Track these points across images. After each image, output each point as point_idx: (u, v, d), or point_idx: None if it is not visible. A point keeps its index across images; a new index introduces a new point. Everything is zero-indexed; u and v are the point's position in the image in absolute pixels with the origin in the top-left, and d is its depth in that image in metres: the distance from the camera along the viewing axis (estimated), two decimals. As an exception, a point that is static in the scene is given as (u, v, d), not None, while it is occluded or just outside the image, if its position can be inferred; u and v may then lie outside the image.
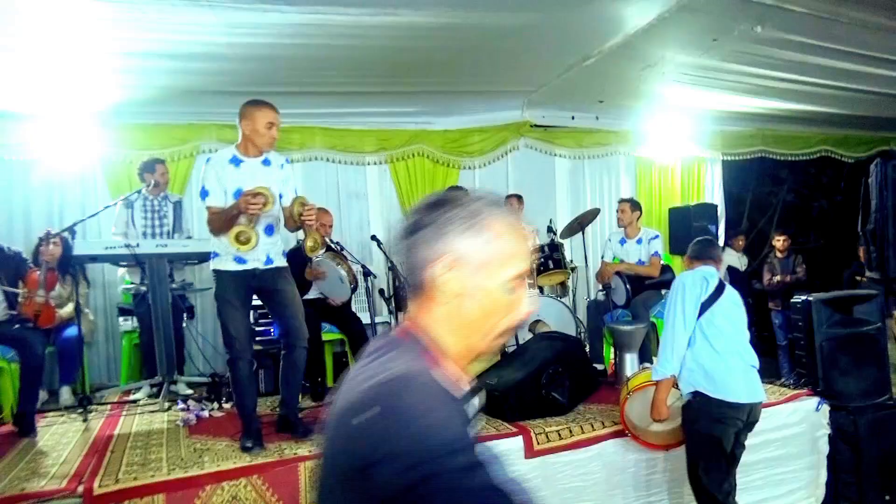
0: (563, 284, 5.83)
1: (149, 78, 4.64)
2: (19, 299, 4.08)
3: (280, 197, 3.33)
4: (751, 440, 3.11)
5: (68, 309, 4.53)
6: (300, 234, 4.28)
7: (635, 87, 5.74)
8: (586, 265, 5.79)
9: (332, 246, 4.89)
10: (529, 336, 4.64)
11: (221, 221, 3.18)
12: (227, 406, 4.16)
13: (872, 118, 7.04)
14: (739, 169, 8.58)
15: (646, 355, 4.79)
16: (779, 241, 7.09)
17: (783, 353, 6.76)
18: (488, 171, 6.65)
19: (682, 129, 6.73)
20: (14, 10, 3.47)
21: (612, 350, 4.77)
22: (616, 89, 5.90)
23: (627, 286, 4.90)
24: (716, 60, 5.07)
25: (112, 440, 3.50)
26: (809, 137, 7.67)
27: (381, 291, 5.05)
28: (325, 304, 4.67)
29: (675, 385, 3.09)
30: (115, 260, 4.50)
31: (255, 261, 3.27)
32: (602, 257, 5.62)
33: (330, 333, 4.77)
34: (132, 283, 4.73)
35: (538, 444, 3.33)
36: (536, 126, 6.69)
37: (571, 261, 5.92)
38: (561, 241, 5.68)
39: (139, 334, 4.79)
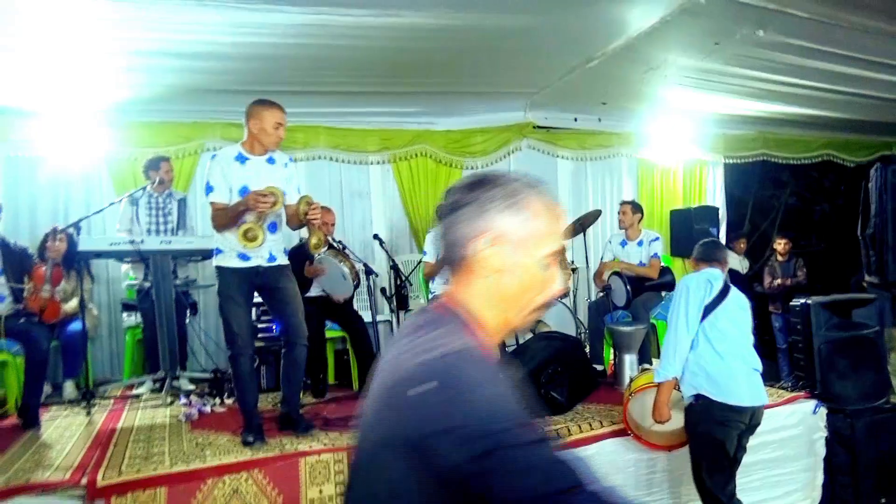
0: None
1: (154, 76, 4.68)
2: (25, 294, 4.12)
3: (284, 195, 3.37)
4: (748, 442, 3.10)
5: (73, 304, 4.57)
6: (302, 233, 4.33)
7: (638, 89, 5.77)
8: (587, 266, 5.82)
9: (335, 244, 4.93)
10: (529, 336, 4.67)
11: (227, 217, 3.22)
12: (228, 402, 4.21)
13: (874, 122, 7.06)
14: (741, 172, 8.60)
15: (645, 356, 4.82)
16: (780, 245, 7.12)
17: (783, 355, 6.77)
18: (491, 171, 6.67)
19: (684, 131, 6.76)
20: (20, 7, 3.51)
21: (612, 351, 4.80)
22: (619, 91, 5.93)
23: (628, 287, 4.93)
24: (718, 64, 5.09)
25: (115, 433, 3.55)
26: (811, 141, 7.68)
27: (383, 290, 5.09)
28: (328, 303, 4.70)
29: (677, 387, 3.09)
30: (119, 256, 4.55)
31: (259, 258, 3.31)
32: (602, 258, 5.65)
33: (332, 331, 4.81)
34: (136, 280, 4.77)
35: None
36: (539, 127, 6.72)
37: (572, 262, 5.95)
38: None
39: (142, 330, 4.83)
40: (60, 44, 4.00)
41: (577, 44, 4.79)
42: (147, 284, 4.53)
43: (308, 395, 4.49)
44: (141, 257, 4.35)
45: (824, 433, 3.96)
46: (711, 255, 3.23)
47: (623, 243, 5.40)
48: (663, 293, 5.16)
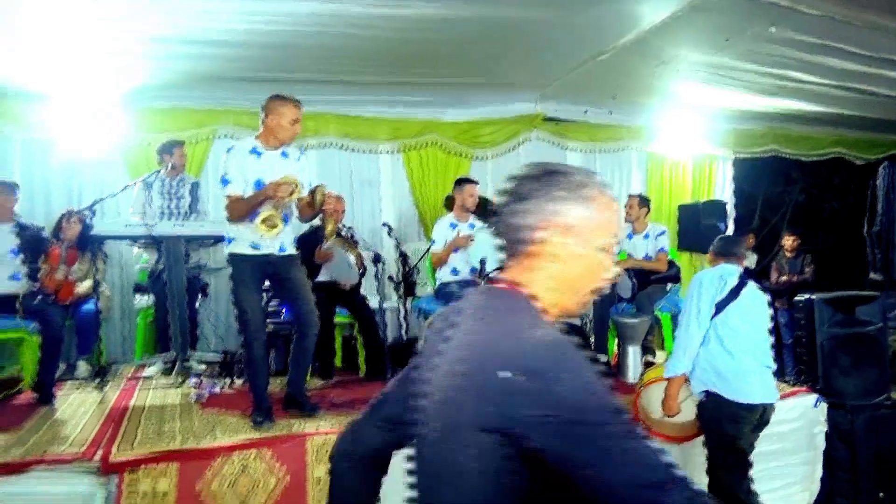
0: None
1: (169, 63, 4.74)
2: (40, 274, 4.20)
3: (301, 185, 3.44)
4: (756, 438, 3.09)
5: (87, 285, 4.66)
6: (312, 222, 4.40)
7: (649, 83, 5.78)
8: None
9: (343, 232, 5.01)
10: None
11: (245, 208, 3.29)
12: (238, 383, 4.29)
13: (886, 121, 7.04)
14: (751, 168, 8.60)
15: (649, 348, 4.87)
16: (788, 241, 7.13)
17: (788, 351, 6.80)
18: (500, 162, 6.72)
19: (694, 126, 6.77)
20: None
21: (616, 342, 4.85)
22: (630, 85, 5.95)
23: (633, 280, 4.97)
24: (729, 59, 5.10)
25: (127, 411, 3.63)
26: (822, 138, 7.66)
27: (391, 277, 5.15)
28: (337, 289, 4.78)
29: (687, 381, 3.10)
30: (133, 239, 4.62)
31: (270, 248, 3.38)
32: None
33: (340, 317, 4.88)
34: (149, 262, 4.85)
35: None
36: (549, 119, 6.74)
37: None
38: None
39: (154, 311, 4.91)
40: (78, 28, 4.06)
41: (588, 37, 4.81)
42: (159, 267, 4.61)
43: (315, 379, 4.56)
44: (154, 241, 4.42)
45: (824, 427, 4.00)
46: (728, 250, 3.21)
47: (629, 236, 5.43)
48: (668, 286, 5.20)
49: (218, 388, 4.14)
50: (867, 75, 5.30)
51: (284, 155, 3.45)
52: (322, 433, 3.15)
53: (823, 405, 3.98)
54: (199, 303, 5.10)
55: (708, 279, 3.08)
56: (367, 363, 4.84)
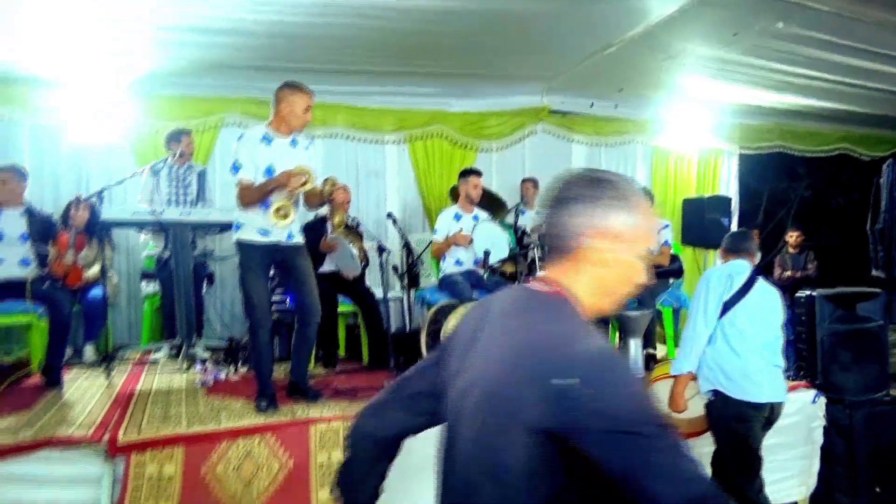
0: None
1: (178, 51, 4.78)
2: (49, 259, 4.25)
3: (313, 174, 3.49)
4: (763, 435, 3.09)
5: (94, 270, 4.71)
6: (318, 211, 4.44)
7: (655, 77, 5.79)
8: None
9: (349, 223, 5.05)
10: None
11: (256, 195, 3.33)
12: (242, 370, 4.35)
13: (893, 118, 7.02)
14: (756, 163, 8.58)
15: (649, 341, 4.90)
16: (792, 237, 7.14)
17: (790, 346, 6.81)
18: (505, 154, 6.75)
19: (700, 120, 6.78)
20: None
21: (617, 334, 4.88)
22: (636, 79, 5.95)
23: (636, 273, 4.99)
24: (737, 54, 5.11)
25: (134, 395, 3.68)
26: (828, 134, 7.65)
27: (395, 268, 5.18)
28: (341, 278, 4.82)
29: (695, 379, 3.09)
30: (140, 226, 4.66)
31: (279, 235, 3.42)
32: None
33: (344, 306, 4.92)
34: (156, 249, 4.90)
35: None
36: (555, 112, 6.75)
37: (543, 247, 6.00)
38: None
39: (161, 298, 4.95)
40: (87, 16, 4.10)
41: (596, 30, 4.82)
42: (166, 254, 4.65)
43: (319, 367, 4.61)
44: (161, 228, 4.46)
45: (822, 422, 4.03)
46: (738, 246, 3.19)
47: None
48: (671, 280, 5.22)
49: (223, 375, 4.19)
50: (874, 72, 5.30)
51: (294, 143, 3.49)
52: (325, 420, 3.20)
53: (822, 400, 4.01)
54: (204, 290, 5.15)
55: (715, 277, 3.06)
56: (370, 352, 4.88)
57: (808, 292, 4.18)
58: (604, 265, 1.21)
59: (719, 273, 3.10)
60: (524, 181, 6.24)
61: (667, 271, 5.12)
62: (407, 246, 5.07)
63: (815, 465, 4.06)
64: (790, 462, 4.01)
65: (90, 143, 5.41)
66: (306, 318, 3.55)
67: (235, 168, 3.38)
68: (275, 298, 4.95)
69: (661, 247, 5.24)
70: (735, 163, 7.64)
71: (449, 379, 1.27)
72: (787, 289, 6.94)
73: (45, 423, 3.10)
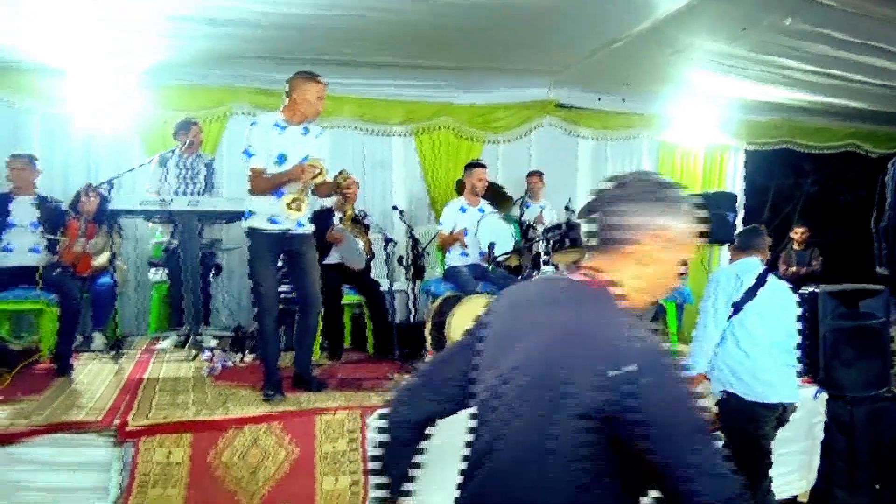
0: (577, 262, 5.95)
1: (187, 41, 4.81)
2: (59, 247, 4.30)
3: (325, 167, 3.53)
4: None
5: (103, 258, 4.75)
6: (325, 201, 4.48)
7: (662, 71, 5.78)
8: (601, 245, 5.89)
9: (356, 215, 5.08)
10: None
11: (268, 184, 3.39)
12: (249, 358, 4.40)
13: (901, 115, 7.01)
14: (763, 158, 8.56)
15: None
16: (797, 233, 7.15)
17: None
18: (511, 147, 6.76)
19: (707, 115, 6.76)
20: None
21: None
22: (643, 73, 5.95)
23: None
24: (744, 50, 5.10)
25: (142, 382, 3.74)
26: (836, 131, 7.62)
27: (401, 259, 5.22)
28: (346, 269, 4.86)
29: (706, 378, 3.09)
30: (149, 215, 4.71)
31: (288, 223, 3.46)
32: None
33: (349, 296, 4.96)
34: (164, 238, 4.94)
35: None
36: (562, 106, 6.76)
37: (587, 240, 6.03)
38: (578, 220, 5.79)
39: (168, 287, 5.01)
40: (99, 5, 4.13)
41: (603, 24, 4.82)
42: (174, 243, 4.69)
43: (324, 357, 4.66)
44: (169, 217, 4.51)
45: (823, 418, 4.05)
46: (749, 244, 3.16)
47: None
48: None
49: (230, 363, 4.24)
50: (882, 69, 5.28)
51: (305, 131, 3.54)
52: (331, 410, 3.24)
53: (823, 396, 4.03)
54: (212, 279, 5.20)
55: (724, 278, 3.05)
56: (375, 342, 4.93)
57: (811, 289, 4.19)
58: (652, 264, 1.28)
59: (728, 273, 3.09)
60: (530, 174, 6.26)
61: (671, 266, 5.14)
62: (412, 238, 5.10)
63: (816, 461, 4.09)
64: (791, 457, 4.03)
65: (100, 132, 5.45)
66: (307, 308, 3.61)
67: (248, 154, 3.42)
68: (281, 287, 5.00)
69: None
70: (741, 158, 7.62)
71: (484, 364, 1.33)
72: (791, 285, 6.97)
73: (56, 408, 3.16)
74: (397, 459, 1.52)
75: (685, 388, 1.15)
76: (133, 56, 5.03)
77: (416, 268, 5.17)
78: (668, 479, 1.12)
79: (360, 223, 5.09)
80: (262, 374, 3.51)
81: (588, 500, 1.15)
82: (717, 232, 6.85)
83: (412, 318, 5.31)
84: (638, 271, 1.29)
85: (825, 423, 4.08)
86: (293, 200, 3.36)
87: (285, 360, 4.02)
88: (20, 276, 4.08)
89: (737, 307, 2.97)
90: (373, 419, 3.25)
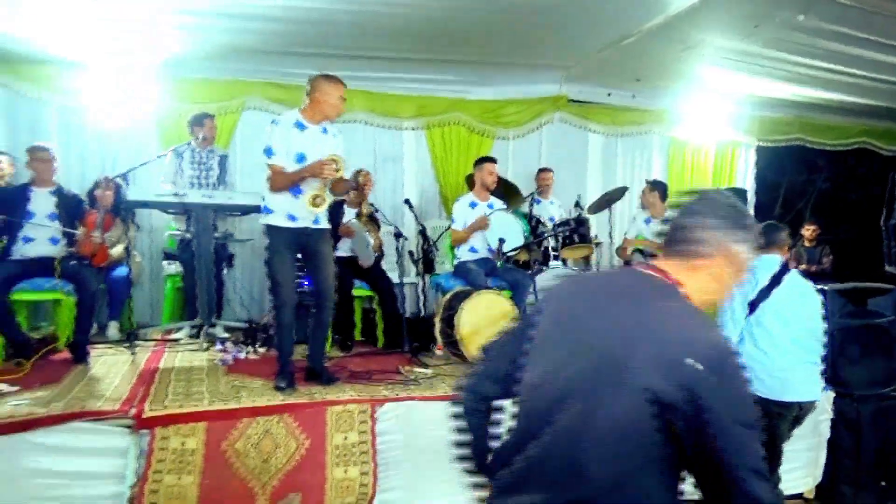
0: (586, 258, 5.99)
1: (204, 35, 4.87)
2: (77, 238, 4.38)
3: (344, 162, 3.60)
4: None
5: (119, 250, 4.84)
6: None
7: (674, 67, 5.78)
8: (611, 241, 5.93)
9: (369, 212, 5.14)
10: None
11: (287, 181, 3.46)
12: (261, 350, 4.47)
13: (915, 112, 6.96)
14: (775, 155, 8.50)
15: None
16: (808, 231, 7.12)
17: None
18: (522, 142, 6.78)
19: (718, 112, 6.76)
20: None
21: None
22: (654, 69, 5.95)
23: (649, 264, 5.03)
24: (756, 46, 5.09)
25: (157, 372, 3.81)
26: (849, 128, 7.58)
27: (411, 253, 5.27)
28: (357, 263, 4.91)
29: None
30: (164, 207, 4.77)
31: (306, 220, 3.53)
32: (626, 234, 5.75)
33: (360, 290, 5.01)
34: (178, 230, 5.01)
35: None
36: (573, 101, 6.77)
37: (596, 236, 6.06)
38: (588, 216, 5.82)
39: (182, 278, 5.07)
40: (118, 0, 4.19)
41: (615, 20, 4.83)
42: (188, 235, 4.76)
43: (335, 350, 4.72)
44: (184, 209, 4.57)
45: (830, 415, 4.08)
46: (768, 240, 3.00)
47: (647, 221, 5.49)
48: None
49: (242, 355, 4.31)
50: (895, 66, 5.26)
51: (324, 131, 3.61)
52: (341, 402, 3.30)
53: (829, 393, 4.05)
54: (224, 271, 5.27)
55: None
56: (385, 335, 4.99)
57: (819, 287, 4.20)
58: (716, 280, 1.39)
59: None
60: (541, 171, 6.29)
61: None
62: (423, 232, 5.15)
63: (822, 458, 4.12)
64: (797, 454, 4.04)
65: (116, 124, 5.51)
66: (322, 303, 3.67)
67: (269, 153, 3.48)
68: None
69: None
70: (752, 154, 7.61)
71: (539, 348, 1.41)
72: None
73: (75, 396, 3.24)
74: (478, 441, 1.61)
75: (747, 388, 1.24)
76: (149, 50, 5.09)
77: (426, 262, 5.23)
78: (718, 472, 1.20)
79: (372, 219, 5.14)
80: (276, 365, 3.57)
81: (631, 485, 1.23)
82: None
83: (422, 312, 5.36)
84: (705, 283, 1.39)
85: (832, 420, 4.10)
86: (315, 196, 3.44)
87: (297, 353, 4.08)
88: (39, 267, 4.14)
89: (753, 305, 2.94)
90: (382, 411, 3.31)
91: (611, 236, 5.91)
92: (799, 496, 4.12)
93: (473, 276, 4.80)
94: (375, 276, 5.01)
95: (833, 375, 4.10)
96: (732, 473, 1.18)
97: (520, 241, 4.96)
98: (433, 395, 3.50)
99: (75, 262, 4.24)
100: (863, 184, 10.29)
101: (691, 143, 7.19)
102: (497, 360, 1.58)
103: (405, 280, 4.95)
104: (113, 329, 4.94)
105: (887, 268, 4.36)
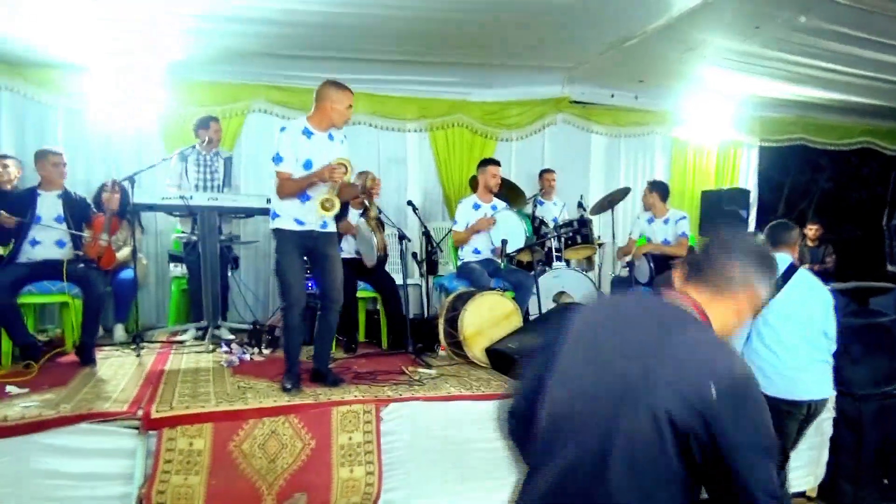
0: (589, 259, 6.02)
1: (208, 39, 4.92)
2: (83, 241, 4.41)
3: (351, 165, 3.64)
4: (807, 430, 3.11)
5: (125, 252, 4.88)
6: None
7: (676, 68, 5.81)
8: (613, 242, 5.95)
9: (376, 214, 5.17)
10: (553, 306, 4.85)
11: (296, 188, 3.49)
12: (266, 352, 4.50)
13: (918, 112, 6.97)
14: (778, 154, 8.54)
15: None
16: (811, 230, 7.13)
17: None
18: (525, 144, 6.81)
19: (720, 112, 6.77)
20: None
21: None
22: (657, 70, 5.98)
23: (651, 264, 5.06)
24: (758, 47, 5.11)
25: (164, 374, 3.83)
26: (852, 128, 7.60)
27: (414, 255, 5.30)
28: (361, 264, 4.94)
29: None
30: (170, 210, 4.82)
31: (313, 224, 3.57)
32: (630, 235, 5.77)
33: (364, 291, 5.04)
34: (184, 233, 5.05)
35: (552, 405, 3.56)
36: (575, 102, 6.80)
37: (599, 237, 6.08)
38: (591, 217, 5.85)
39: (188, 280, 5.11)
40: (122, 3, 4.23)
41: (617, 22, 4.86)
42: (194, 238, 4.80)
43: (340, 351, 4.75)
44: (190, 212, 4.61)
45: (832, 414, 4.09)
46: (776, 239, 3.13)
47: (650, 220, 5.51)
48: (686, 271, 5.26)
49: (248, 356, 4.34)
50: (897, 66, 5.28)
51: (331, 137, 3.65)
52: (347, 403, 3.32)
53: (832, 392, 4.06)
54: (230, 273, 5.30)
55: None
56: (389, 336, 5.02)
57: (822, 286, 4.21)
58: (736, 314, 1.48)
59: None
60: (544, 172, 6.31)
61: (683, 263, 5.17)
62: (426, 234, 5.18)
63: (824, 456, 4.12)
64: (799, 452, 4.03)
65: (121, 127, 5.56)
66: (329, 305, 3.70)
67: (278, 160, 3.51)
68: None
69: (679, 238, 5.30)
70: (755, 155, 7.62)
71: (567, 371, 1.48)
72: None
73: (83, 398, 3.26)
74: (522, 439, 1.66)
75: (764, 416, 1.29)
76: (154, 53, 5.13)
77: (430, 263, 5.26)
78: (735, 497, 1.27)
79: (379, 223, 5.17)
80: (284, 366, 3.61)
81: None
82: (730, 228, 6.86)
83: (426, 313, 5.39)
84: (726, 315, 1.47)
85: (833, 419, 4.11)
86: (325, 200, 3.47)
87: (302, 354, 4.11)
88: (46, 270, 4.18)
89: None
90: (387, 412, 3.34)
91: (613, 237, 5.93)
92: (802, 494, 4.13)
93: (477, 277, 4.83)
94: (379, 277, 5.03)
95: (835, 374, 4.09)
96: (747, 492, 1.24)
97: (522, 242, 4.98)
98: (437, 395, 3.52)
99: (82, 264, 4.27)
100: (867, 183, 10.30)
101: (694, 144, 7.21)
102: (529, 383, 1.64)
103: (409, 281, 4.97)
104: (119, 331, 4.98)
105: (889, 267, 4.36)
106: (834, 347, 3.06)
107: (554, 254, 5.51)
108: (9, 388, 3.36)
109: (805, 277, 3.05)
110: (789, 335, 2.93)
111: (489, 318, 4.29)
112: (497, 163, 5.23)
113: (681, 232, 5.31)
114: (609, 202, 5.79)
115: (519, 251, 5.06)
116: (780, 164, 9.48)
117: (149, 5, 4.26)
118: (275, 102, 5.90)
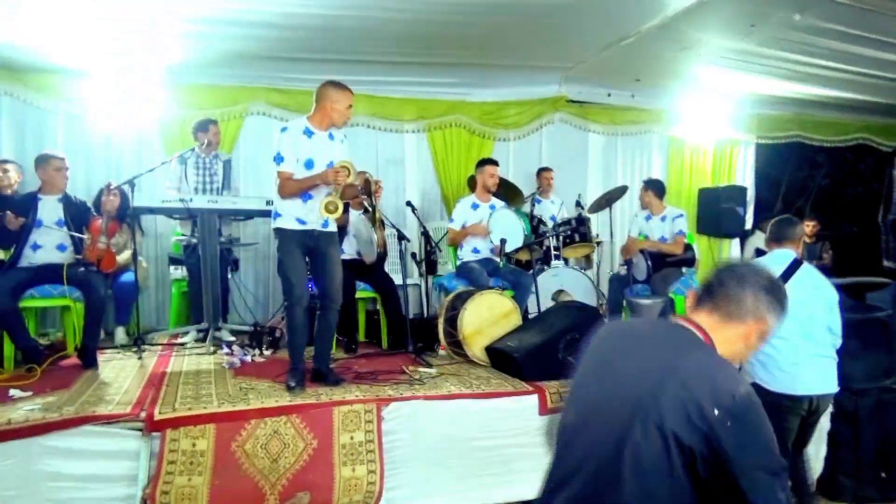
0: (587, 258, 6.04)
1: (206, 42, 4.93)
2: (84, 245, 4.43)
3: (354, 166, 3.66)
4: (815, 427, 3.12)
5: (125, 256, 4.90)
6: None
7: (673, 67, 5.84)
8: (611, 240, 5.97)
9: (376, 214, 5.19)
10: (552, 304, 4.88)
11: (297, 188, 3.53)
12: (267, 353, 4.52)
13: (913, 108, 6.99)
14: (774, 151, 8.56)
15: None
16: (808, 227, 7.15)
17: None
18: (522, 143, 6.84)
19: (717, 110, 6.80)
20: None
21: (631, 322, 4.98)
22: (653, 69, 6.00)
23: (648, 262, 5.09)
24: (753, 45, 5.14)
25: (166, 376, 3.85)
26: (848, 124, 7.63)
27: (414, 255, 5.33)
28: (361, 265, 4.97)
29: None
30: (170, 213, 4.84)
31: (314, 223, 3.60)
32: (629, 232, 5.80)
33: (363, 292, 5.06)
34: (184, 235, 5.07)
35: (552, 402, 3.57)
36: (572, 101, 6.83)
37: (597, 235, 6.11)
38: (588, 215, 5.87)
39: (188, 283, 5.13)
40: (119, 8, 4.25)
41: (613, 21, 4.89)
42: (194, 240, 4.82)
43: (340, 351, 4.77)
44: (190, 215, 4.63)
45: (830, 409, 4.11)
46: (780, 234, 3.13)
47: (647, 217, 5.54)
48: (684, 269, 5.31)
49: (249, 358, 4.36)
50: (893, 63, 5.29)
51: (331, 137, 3.67)
52: (349, 402, 3.34)
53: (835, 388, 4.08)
54: (230, 275, 5.32)
55: None
56: (389, 336, 5.04)
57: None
58: (743, 340, 1.57)
59: None
60: (542, 171, 6.34)
61: (680, 260, 5.21)
62: (425, 234, 5.20)
63: (822, 450, 4.14)
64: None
65: (120, 131, 5.59)
66: (328, 304, 3.72)
67: (279, 160, 3.54)
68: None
69: (676, 236, 5.32)
70: (752, 152, 7.65)
71: (580, 392, 1.58)
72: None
73: (85, 400, 3.28)
74: None
75: (768, 436, 1.37)
76: (153, 57, 5.15)
77: (429, 263, 5.28)
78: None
79: (380, 221, 5.19)
80: (285, 366, 3.63)
81: None
82: (726, 225, 6.92)
83: (425, 313, 5.41)
84: (733, 342, 1.56)
85: (831, 413, 4.12)
86: (329, 202, 3.50)
87: (305, 354, 4.13)
88: (47, 274, 4.20)
89: None
90: (388, 411, 3.36)
91: (611, 235, 5.96)
92: (801, 490, 4.16)
93: (476, 277, 4.86)
94: (378, 278, 5.06)
95: (834, 369, 4.13)
96: None
97: (521, 241, 5.00)
98: (438, 394, 3.54)
99: (83, 268, 4.29)
100: (863, 180, 10.33)
101: (690, 142, 7.23)
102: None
103: (408, 281, 5.00)
104: (120, 334, 5.00)
105: (886, 262, 4.39)
106: (839, 343, 3.05)
107: (552, 252, 5.53)
108: (12, 392, 3.38)
109: (809, 273, 3.04)
110: (791, 330, 2.89)
111: (489, 317, 4.32)
112: (495, 162, 5.25)
113: (678, 230, 5.33)
114: (607, 200, 5.82)
115: (517, 250, 5.09)
116: (776, 162, 9.51)
117: (148, 6, 4.27)
118: (274, 105, 5.93)
